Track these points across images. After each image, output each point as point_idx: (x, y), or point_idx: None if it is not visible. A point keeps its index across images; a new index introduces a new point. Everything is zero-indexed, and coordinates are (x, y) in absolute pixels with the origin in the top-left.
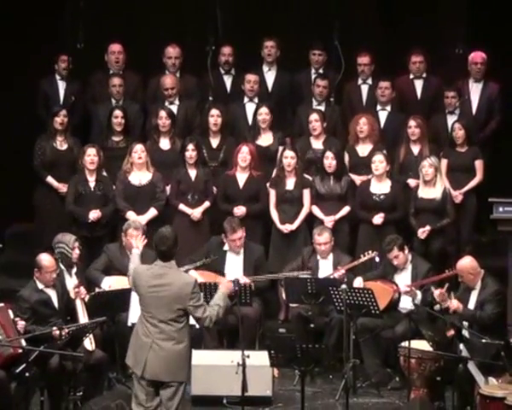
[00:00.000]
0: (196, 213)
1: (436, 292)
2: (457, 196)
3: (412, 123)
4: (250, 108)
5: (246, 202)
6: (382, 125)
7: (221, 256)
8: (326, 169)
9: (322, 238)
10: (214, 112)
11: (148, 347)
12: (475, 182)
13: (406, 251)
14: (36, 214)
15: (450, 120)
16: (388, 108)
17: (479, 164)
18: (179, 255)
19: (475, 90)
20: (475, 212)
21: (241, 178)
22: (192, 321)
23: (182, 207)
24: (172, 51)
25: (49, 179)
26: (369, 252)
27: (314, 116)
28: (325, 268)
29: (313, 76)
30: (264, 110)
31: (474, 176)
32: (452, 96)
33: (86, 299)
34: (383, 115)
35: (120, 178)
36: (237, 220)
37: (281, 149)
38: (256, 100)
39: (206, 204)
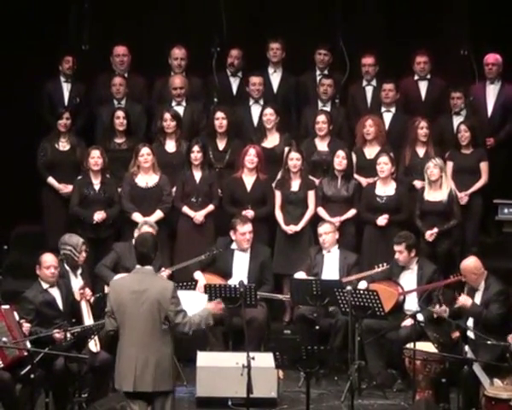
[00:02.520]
0: (199, 215)
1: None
2: (463, 197)
3: (424, 124)
4: (255, 109)
5: (253, 204)
6: (387, 126)
7: (228, 256)
8: (336, 168)
9: (321, 228)
10: (219, 114)
11: (135, 361)
12: (480, 184)
13: (412, 254)
14: (41, 216)
15: (456, 121)
16: (393, 109)
17: (484, 166)
18: (184, 257)
19: (491, 92)
20: (480, 213)
21: (249, 180)
22: None
23: (185, 209)
24: (178, 52)
25: (50, 180)
26: (384, 264)
27: (322, 117)
28: (331, 265)
29: (318, 77)
30: (268, 111)
31: (479, 178)
32: (458, 97)
33: (91, 300)
34: (388, 117)
35: (127, 179)
36: (247, 216)
37: (286, 150)
38: (261, 102)
39: (210, 208)
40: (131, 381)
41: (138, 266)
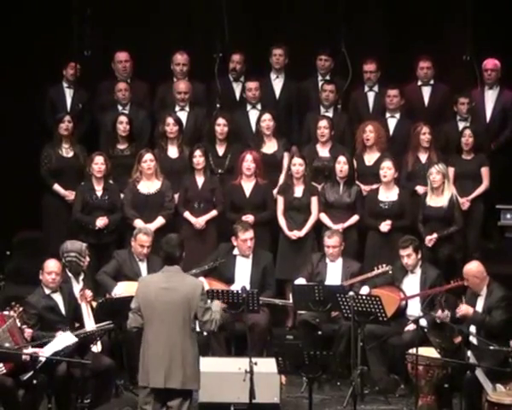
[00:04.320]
0: (200, 221)
1: (439, 314)
2: (464, 203)
3: (426, 129)
4: (253, 115)
5: (253, 210)
6: (391, 132)
7: (230, 261)
8: (337, 174)
9: (331, 241)
10: (221, 121)
11: (163, 357)
12: (482, 189)
13: (419, 255)
14: (43, 222)
15: (462, 126)
16: (397, 115)
17: (485, 171)
18: (186, 263)
19: (490, 98)
20: (482, 219)
21: (248, 186)
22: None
23: (187, 214)
24: (180, 58)
25: (56, 187)
26: (383, 265)
27: (323, 123)
28: (334, 273)
29: (320, 83)
30: (267, 117)
31: (480, 183)
32: (467, 103)
33: (92, 302)
34: (392, 123)
35: (129, 186)
36: (248, 222)
37: (286, 155)
38: (259, 107)
39: (213, 213)
40: (161, 377)
41: (166, 267)
